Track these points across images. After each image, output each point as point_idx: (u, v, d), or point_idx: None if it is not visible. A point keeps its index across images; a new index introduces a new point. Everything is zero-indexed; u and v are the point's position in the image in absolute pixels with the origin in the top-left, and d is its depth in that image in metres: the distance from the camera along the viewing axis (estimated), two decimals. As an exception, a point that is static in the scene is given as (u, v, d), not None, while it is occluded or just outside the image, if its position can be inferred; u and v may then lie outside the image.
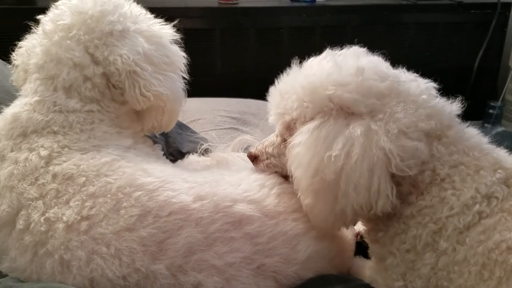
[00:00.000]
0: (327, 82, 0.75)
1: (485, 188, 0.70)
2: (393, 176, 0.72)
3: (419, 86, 0.77)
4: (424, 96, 0.75)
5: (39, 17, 0.90)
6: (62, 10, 0.86)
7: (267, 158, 0.89)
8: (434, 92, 0.78)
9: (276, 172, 0.89)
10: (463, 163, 0.73)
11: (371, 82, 0.74)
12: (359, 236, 0.97)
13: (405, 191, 0.74)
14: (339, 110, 0.74)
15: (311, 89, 0.76)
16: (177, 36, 0.95)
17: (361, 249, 0.93)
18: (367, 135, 0.71)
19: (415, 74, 0.81)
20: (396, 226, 0.76)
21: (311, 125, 0.75)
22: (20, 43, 0.93)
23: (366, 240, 0.87)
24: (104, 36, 0.84)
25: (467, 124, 0.79)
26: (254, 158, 0.92)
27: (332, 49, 0.84)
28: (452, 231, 0.70)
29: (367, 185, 0.70)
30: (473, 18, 2.64)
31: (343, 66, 0.76)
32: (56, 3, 0.89)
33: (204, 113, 1.61)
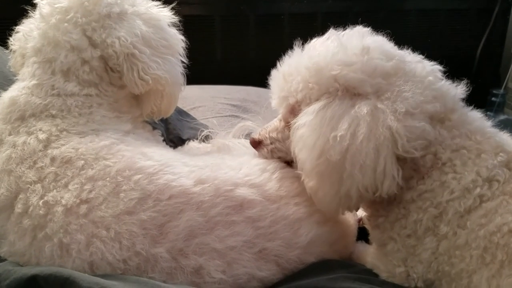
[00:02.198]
0: (332, 62, 0.74)
1: (486, 171, 0.70)
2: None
3: (425, 68, 0.76)
4: (430, 78, 0.74)
5: (36, 1, 0.88)
6: None
7: (271, 143, 0.88)
8: (439, 74, 0.77)
9: (279, 157, 0.88)
10: (465, 147, 0.72)
11: (377, 62, 0.73)
12: (361, 222, 0.96)
13: (406, 176, 0.73)
14: (345, 90, 0.73)
15: (316, 70, 0.75)
16: (176, 19, 0.93)
17: (363, 234, 0.92)
18: (374, 114, 0.69)
19: (421, 56, 0.79)
20: (396, 211, 0.76)
21: (316, 106, 0.74)
22: (17, 28, 0.92)
23: (366, 226, 0.86)
24: (102, 18, 0.83)
25: (470, 108, 0.78)
26: (257, 144, 0.90)
27: (335, 30, 0.82)
28: (453, 215, 0.69)
29: (373, 166, 0.69)
30: (475, 5, 2.61)
31: (348, 46, 0.75)
32: None
33: (204, 100, 1.59)
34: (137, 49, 0.83)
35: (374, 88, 0.72)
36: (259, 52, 2.34)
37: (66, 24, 0.82)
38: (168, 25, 0.92)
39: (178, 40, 0.92)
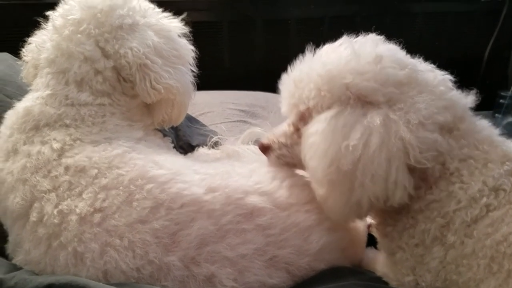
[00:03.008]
0: (345, 71, 0.74)
1: (492, 180, 0.70)
2: None
3: (436, 77, 0.76)
4: (441, 88, 0.74)
5: (48, 13, 0.90)
6: (72, 5, 0.87)
7: (279, 148, 0.87)
8: (450, 84, 0.77)
9: (287, 162, 0.88)
10: (472, 157, 0.72)
11: (390, 71, 0.73)
12: (370, 228, 0.97)
13: (414, 185, 0.73)
14: (357, 99, 0.73)
15: (329, 78, 0.75)
16: (186, 30, 0.95)
17: (373, 240, 0.93)
18: (386, 125, 0.69)
19: (432, 65, 0.80)
20: (404, 221, 0.76)
21: (328, 114, 0.73)
22: (30, 39, 0.94)
23: (375, 234, 0.87)
24: (114, 30, 0.85)
25: (479, 117, 0.78)
26: (265, 149, 0.90)
27: (348, 36, 0.82)
28: (460, 224, 0.69)
29: (385, 176, 0.69)
30: (483, 8, 2.60)
31: (361, 54, 0.75)
32: None
33: (213, 106, 1.61)
34: (149, 59, 0.85)
35: (386, 97, 0.72)
36: (267, 56, 2.35)
37: (79, 36, 0.84)
38: (178, 35, 0.93)
39: (188, 50, 0.94)
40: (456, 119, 0.74)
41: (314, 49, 0.83)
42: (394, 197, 0.70)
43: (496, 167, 0.71)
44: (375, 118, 0.70)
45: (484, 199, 0.69)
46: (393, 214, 0.77)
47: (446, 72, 0.78)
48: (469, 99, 0.77)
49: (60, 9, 0.89)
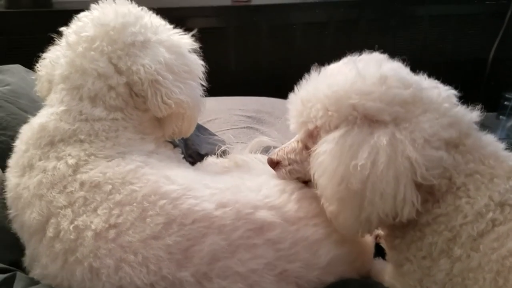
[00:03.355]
0: (351, 91, 0.76)
1: (498, 196, 0.71)
2: None
3: (440, 94, 0.78)
4: (446, 105, 0.76)
5: (61, 29, 0.92)
6: (85, 22, 0.89)
7: (289, 164, 0.90)
8: (455, 100, 0.78)
9: (298, 178, 0.90)
10: (479, 172, 0.74)
11: (395, 91, 0.75)
12: (378, 238, 0.98)
13: (422, 199, 0.75)
14: (363, 118, 0.75)
15: (336, 98, 0.77)
16: (196, 45, 0.96)
17: (381, 250, 0.94)
18: (393, 144, 0.71)
19: (436, 81, 0.81)
20: (412, 234, 0.77)
21: (336, 134, 0.75)
22: (44, 55, 0.95)
23: (383, 246, 0.88)
24: (127, 47, 0.86)
25: (484, 132, 0.80)
26: (275, 164, 0.92)
27: (352, 55, 0.84)
28: (466, 238, 0.71)
29: (393, 194, 0.71)
30: (488, 9, 2.60)
31: (366, 75, 0.77)
32: (78, 16, 0.91)
33: (220, 112, 1.62)
34: (160, 75, 0.87)
35: (392, 116, 0.74)
36: (272, 61, 2.36)
37: (92, 53, 0.85)
38: (189, 51, 0.95)
39: (198, 65, 0.95)
40: (462, 135, 0.76)
41: (318, 64, 0.85)
42: (403, 213, 0.72)
43: (502, 182, 0.72)
44: (382, 138, 0.71)
45: (490, 214, 0.70)
46: (401, 227, 0.79)
47: (450, 88, 0.80)
48: (474, 114, 0.79)
49: (74, 25, 0.90)
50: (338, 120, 0.77)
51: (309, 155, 0.82)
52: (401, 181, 0.70)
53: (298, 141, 0.89)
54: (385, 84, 0.75)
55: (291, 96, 0.87)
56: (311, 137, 0.83)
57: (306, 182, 0.91)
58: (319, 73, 0.85)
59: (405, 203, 0.71)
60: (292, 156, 0.89)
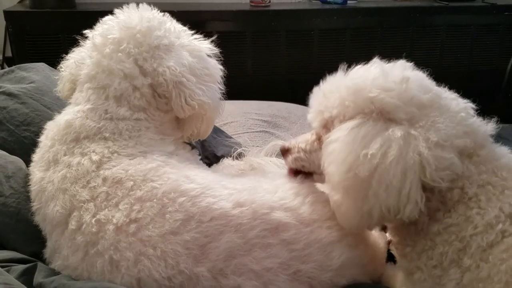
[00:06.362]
0: (371, 85, 0.77)
1: (509, 207, 0.72)
2: (424, 189, 0.74)
3: (458, 104, 0.79)
4: (463, 114, 0.77)
5: (86, 31, 0.95)
6: (110, 25, 0.92)
7: (297, 152, 0.91)
8: (472, 111, 0.79)
9: (303, 166, 0.91)
10: (491, 183, 0.75)
11: (414, 92, 0.76)
12: (390, 244, 0.99)
13: (434, 207, 0.76)
14: (379, 113, 0.76)
15: (355, 90, 0.79)
16: (215, 50, 0.99)
17: (393, 256, 0.95)
18: (406, 139, 0.73)
19: (456, 94, 0.82)
20: (423, 243, 0.78)
21: (350, 124, 0.77)
22: (68, 56, 0.99)
23: (394, 253, 0.89)
24: (152, 49, 0.90)
25: (499, 144, 0.81)
26: (286, 151, 0.94)
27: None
28: (476, 249, 0.71)
29: (399, 187, 0.72)
30: (506, 20, 2.60)
31: (389, 74, 0.79)
32: (103, 19, 0.95)
33: (236, 116, 1.65)
34: (184, 77, 0.90)
35: (408, 115, 0.75)
36: (289, 66, 2.38)
37: (119, 54, 0.88)
38: (208, 55, 0.98)
39: (217, 69, 0.99)
40: (476, 146, 0.77)
41: (349, 66, 0.86)
42: (405, 210, 0.73)
43: None
44: (396, 131, 0.73)
45: (500, 225, 0.71)
46: (412, 235, 0.80)
47: (468, 101, 0.81)
48: (489, 126, 0.80)
49: (99, 28, 0.94)
50: (354, 111, 0.78)
51: (320, 147, 0.83)
52: (409, 176, 0.71)
53: (312, 134, 0.91)
54: (406, 85, 0.77)
55: (315, 89, 0.88)
56: (325, 128, 0.85)
57: (308, 174, 0.92)
58: (345, 73, 0.86)
59: (409, 199, 0.72)
60: (302, 145, 0.91)
